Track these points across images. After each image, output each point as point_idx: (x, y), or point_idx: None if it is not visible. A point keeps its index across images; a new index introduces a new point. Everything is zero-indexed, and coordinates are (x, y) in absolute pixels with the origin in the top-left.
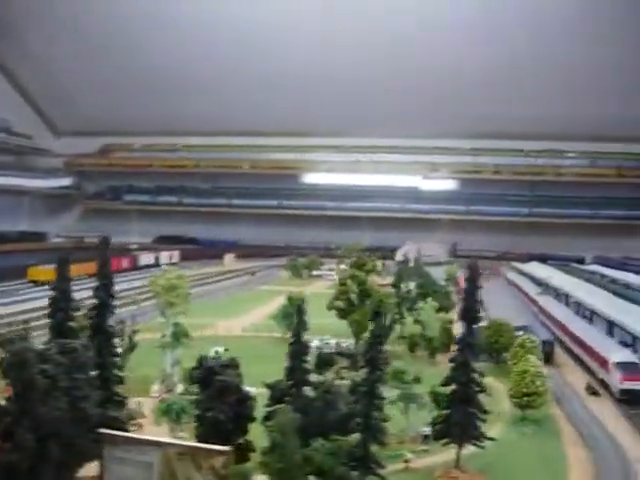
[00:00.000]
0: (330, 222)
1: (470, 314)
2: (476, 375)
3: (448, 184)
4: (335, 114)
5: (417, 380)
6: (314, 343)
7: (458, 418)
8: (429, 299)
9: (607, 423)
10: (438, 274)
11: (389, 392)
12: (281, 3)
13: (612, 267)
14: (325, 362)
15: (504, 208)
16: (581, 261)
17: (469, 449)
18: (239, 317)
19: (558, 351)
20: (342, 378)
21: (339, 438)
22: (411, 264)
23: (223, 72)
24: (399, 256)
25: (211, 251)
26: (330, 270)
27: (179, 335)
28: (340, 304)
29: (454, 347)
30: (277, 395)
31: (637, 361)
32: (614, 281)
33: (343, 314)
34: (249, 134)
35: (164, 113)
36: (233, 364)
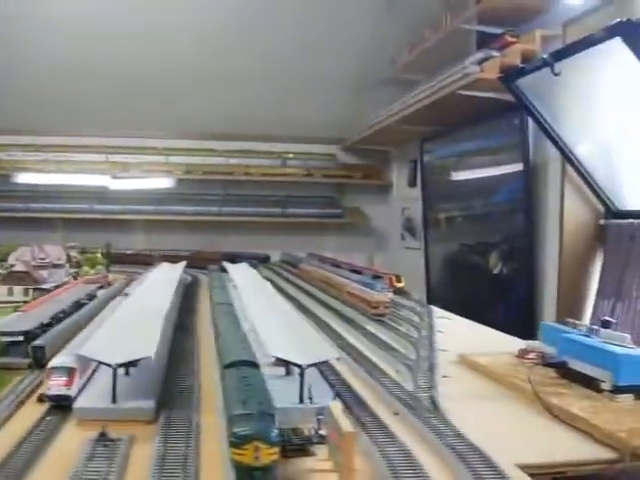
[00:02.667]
0: (18, 223)
1: None
2: None
3: (139, 184)
4: (24, 111)
5: None
6: None
7: None
8: None
9: None
10: (58, 276)
11: None
12: None
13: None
14: None
15: (196, 207)
16: (267, 259)
17: None
18: None
19: None
20: None
21: None
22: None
23: None
24: (12, 260)
25: None
26: None
27: None
28: None
29: None
30: None
31: (75, 366)
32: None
33: None
34: None
35: None
36: None
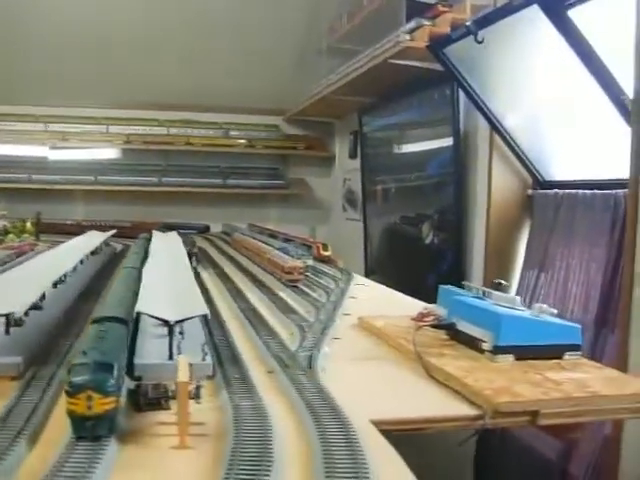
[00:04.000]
0: None
1: None
2: None
3: (79, 154)
4: None
5: None
6: None
7: None
8: None
9: None
10: None
11: None
12: None
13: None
14: None
15: (137, 177)
16: (207, 229)
17: None
18: None
19: None
20: None
21: None
22: None
23: None
24: None
25: None
26: None
27: None
28: None
29: None
30: None
31: None
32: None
33: None
34: None
35: None
36: None
